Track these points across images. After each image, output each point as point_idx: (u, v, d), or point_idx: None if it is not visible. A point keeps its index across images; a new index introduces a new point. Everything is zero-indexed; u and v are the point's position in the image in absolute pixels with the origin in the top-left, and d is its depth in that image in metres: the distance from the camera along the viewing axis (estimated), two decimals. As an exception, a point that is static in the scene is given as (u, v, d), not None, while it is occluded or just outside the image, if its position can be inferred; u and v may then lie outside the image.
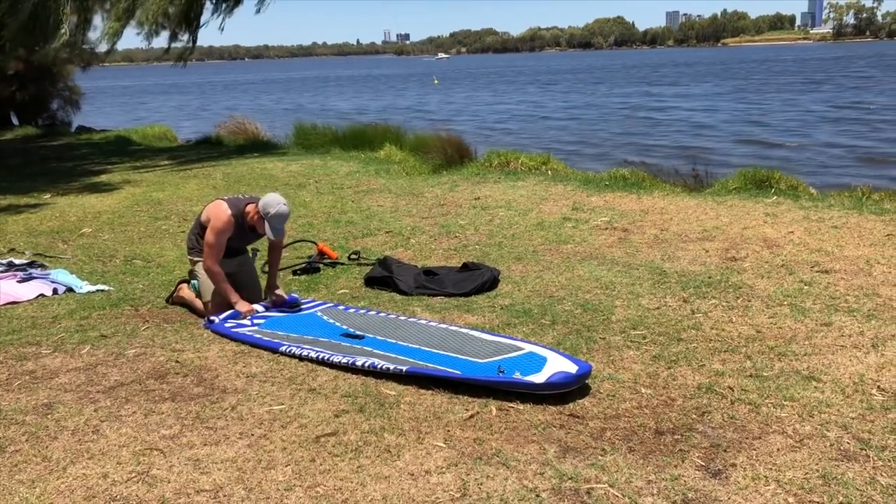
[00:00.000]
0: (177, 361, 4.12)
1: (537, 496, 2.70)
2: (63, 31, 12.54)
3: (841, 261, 5.40)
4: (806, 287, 4.91)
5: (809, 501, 2.63)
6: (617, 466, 2.89)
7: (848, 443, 3.01)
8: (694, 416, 3.30)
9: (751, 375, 3.68)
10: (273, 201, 4.69)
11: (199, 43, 15.28)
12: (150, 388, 3.77)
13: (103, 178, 11.37)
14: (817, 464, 2.86)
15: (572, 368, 3.54)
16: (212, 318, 4.67)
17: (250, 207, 4.77)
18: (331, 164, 11.41)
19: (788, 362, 3.81)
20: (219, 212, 4.74)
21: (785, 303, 4.66)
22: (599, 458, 2.96)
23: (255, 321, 4.64)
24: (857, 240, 5.87)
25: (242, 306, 4.75)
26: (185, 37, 14.69)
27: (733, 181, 8.02)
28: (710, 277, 5.20)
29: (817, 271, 5.22)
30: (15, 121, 22.41)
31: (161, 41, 14.60)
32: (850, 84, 35.21)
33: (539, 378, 3.48)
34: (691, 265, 5.52)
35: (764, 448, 2.99)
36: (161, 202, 9.02)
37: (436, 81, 56.23)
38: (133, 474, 2.93)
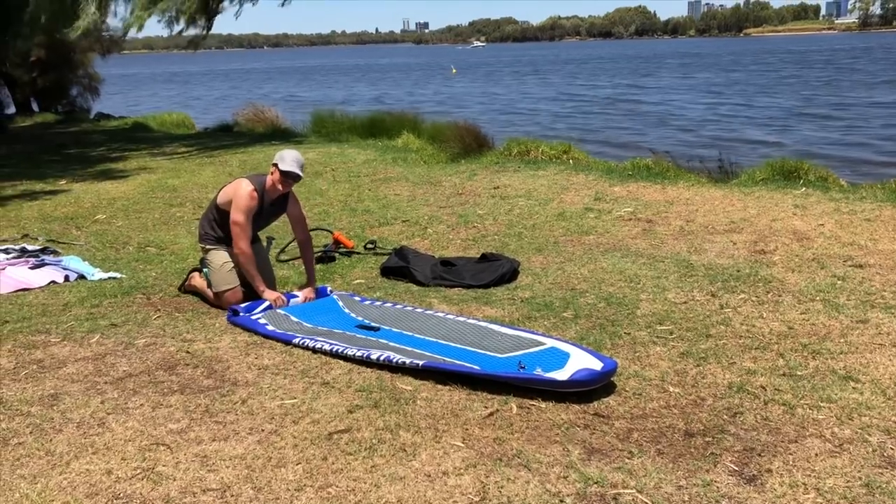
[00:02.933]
0: (187, 352, 4.01)
1: (561, 501, 2.56)
2: (92, 12, 12.50)
3: (875, 255, 5.20)
4: (839, 282, 4.72)
5: (853, 512, 2.46)
6: (645, 470, 2.73)
7: (892, 448, 2.83)
8: (725, 416, 3.13)
9: (784, 374, 3.50)
10: (284, 152, 4.64)
11: (218, 31, 15.18)
12: (159, 380, 3.66)
13: (119, 164, 11.31)
14: (859, 471, 2.69)
15: (597, 365, 3.38)
16: (236, 308, 4.50)
17: (268, 177, 4.65)
18: (348, 152, 11.27)
19: (823, 361, 3.63)
20: (240, 189, 4.60)
21: (817, 298, 4.47)
22: (626, 461, 2.81)
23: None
24: (892, 233, 5.66)
25: (270, 294, 4.61)
26: (203, 23, 14.58)
27: (760, 172, 7.80)
28: (738, 271, 5.02)
29: (850, 266, 5.02)
30: (35, 107, 22.45)
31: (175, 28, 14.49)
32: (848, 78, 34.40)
33: (562, 375, 3.33)
34: (719, 258, 5.33)
35: (801, 453, 2.83)
36: (176, 189, 8.92)
37: (454, 71, 55.93)
38: (138, 471, 2.81)
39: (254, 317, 4.38)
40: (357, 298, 4.75)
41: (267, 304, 4.54)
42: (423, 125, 12.61)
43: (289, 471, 2.78)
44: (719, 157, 8.66)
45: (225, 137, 14.43)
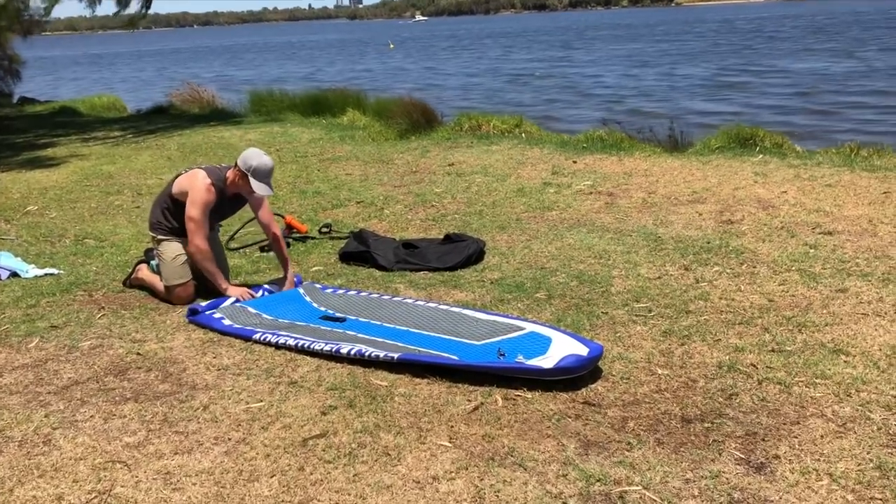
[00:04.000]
0: (138, 354, 3.70)
1: (564, 503, 2.37)
2: None
3: (842, 221, 5.14)
4: (812, 251, 4.63)
5: (871, 498, 2.34)
6: (648, 464, 2.56)
7: (897, 426, 2.73)
8: (721, 399, 2.99)
9: (773, 350, 3.38)
10: (253, 154, 4.23)
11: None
12: (110, 387, 3.35)
13: (49, 151, 10.69)
14: (868, 452, 2.57)
15: (582, 350, 3.20)
16: (195, 307, 4.15)
17: (230, 173, 4.31)
18: (291, 131, 10.88)
19: (810, 334, 3.52)
20: (197, 182, 4.25)
21: (793, 268, 4.37)
22: (626, 453, 2.64)
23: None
24: (855, 199, 5.62)
25: (235, 290, 4.30)
26: (136, 3, 13.90)
27: (716, 140, 7.73)
28: (708, 243, 4.90)
29: (820, 233, 4.95)
30: (-50, 93, 21.25)
31: (104, 9, 13.79)
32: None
33: (547, 363, 3.14)
34: (686, 230, 5.21)
35: (806, 435, 2.70)
36: (112, 176, 8.45)
37: (391, 46, 55.20)
38: (93, 494, 2.52)
39: (211, 313, 4.08)
40: (318, 286, 4.49)
41: (232, 299, 4.24)
42: (367, 102, 12.26)
43: (263, 485, 2.54)
44: (670, 127, 8.57)
45: (160, 119, 13.82)
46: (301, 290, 4.33)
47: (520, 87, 21.27)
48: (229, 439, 2.84)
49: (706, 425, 2.80)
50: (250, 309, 4.13)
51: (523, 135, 9.08)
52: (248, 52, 55.74)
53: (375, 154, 8.68)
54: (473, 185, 6.91)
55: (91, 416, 3.07)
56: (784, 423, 2.78)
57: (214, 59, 49.42)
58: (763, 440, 2.68)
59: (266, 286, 4.44)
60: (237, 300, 4.22)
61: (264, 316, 4.06)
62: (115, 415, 3.08)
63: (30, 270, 5.14)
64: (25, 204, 7.21)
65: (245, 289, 4.35)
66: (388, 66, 34.97)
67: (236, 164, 4.25)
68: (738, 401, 2.97)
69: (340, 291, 4.38)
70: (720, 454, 2.61)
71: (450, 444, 2.73)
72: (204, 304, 4.19)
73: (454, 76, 26.66)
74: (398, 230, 5.74)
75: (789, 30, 44.21)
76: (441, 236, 5.36)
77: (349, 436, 2.82)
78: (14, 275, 5.06)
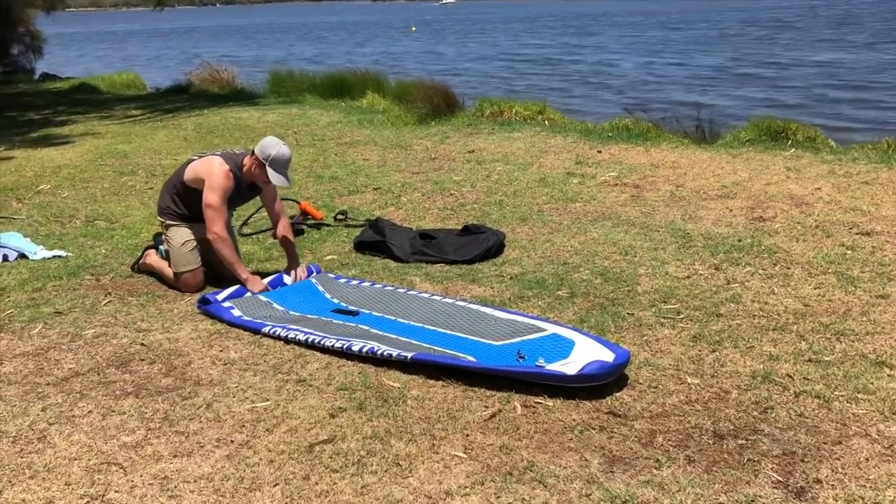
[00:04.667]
0: (142, 344, 3.56)
1: (587, 527, 2.20)
2: None
3: (881, 221, 4.91)
4: (849, 252, 4.41)
5: (924, 533, 2.14)
6: (678, 484, 2.38)
7: (950, 450, 2.52)
8: (755, 413, 2.80)
9: (810, 360, 3.18)
10: (271, 143, 4.06)
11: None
12: (111, 379, 3.21)
13: (65, 129, 10.59)
14: (918, 479, 2.38)
15: (608, 356, 3.01)
16: (209, 297, 3.94)
17: (247, 160, 4.14)
18: (310, 113, 10.71)
19: (850, 343, 3.31)
20: (214, 168, 4.07)
21: (829, 271, 4.16)
22: (654, 472, 2.45)
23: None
24: (894, 197, 5.37)
25: (256, 285, 4.07)
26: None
27: (746, 132, 7.47)
28: (739, 241, 4.69)
29: (857, 234, 4.72)
30: (-27, 68, 21.26)
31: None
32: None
33: (570, 368, 2.95)
34: (716, 226, 5.00)
35: (849, 457, 2.50)
36: (127, 155, 8.32)
37: (413, 28, 54.80)
38: (85, 499, 2.38)
39: (222, 303, 3.90)
40: (331, 276, 4.32)
41: (244, 290, 4.04)
42: (387, 85, 12.06)
43: (265, 495, 2.38)
44: (697, 117, 8.31)
45: (178, 98, 13.70)
46: (314, 281, 4.16)
47: (537, 72, 20.91)
48: (232, 442, 2.69)
49: (740, 442, 2.61)
50: (262, 298, 3.97)
51: (546, 122, 8.85)
52: (272, 32, 55.47)
53: (394, 139, 8.49)
54: (494, 173, 6.71)
55: (89, 412, 2.93)
56: (825, 443, 2.59)
57: (235, 39, 49.29)
58: (802, 461, 2.49)
59: (284, 273, 4.24)
60: (242, 291, 4.04)
61: (275, 306, 3.90)
62: (114, 410, 2.94)
63: (38, 252, 5.01)
64: (38, 182, 7.09)
65: (265, 283, 4.12)
66: (410, 48, 34.67)
67: (253, 153, 4.08)
68: (773, 415, 2.77)
69: (354, 282, 4.21)
70: (756, 475, 2.42)
71: (465, 456, 2.56)
72: (219, 295, 3.97)
73: (478, 60, 26.32)
74: (415, 219, 5.56)
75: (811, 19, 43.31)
76: (459, 226, 5.18)
77: (358, 442, 2.66)
78: (22, 256, 4.94)
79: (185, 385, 3.14)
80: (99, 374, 3.26)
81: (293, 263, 4.28)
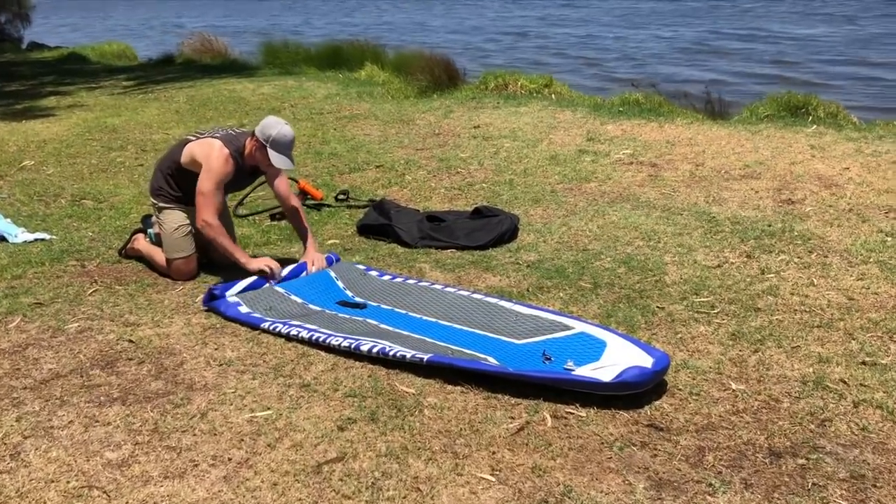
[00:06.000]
0: (130, 341, 3.26)
1: (638, 569, 1.92)
2: None
3: (918, 205, 4.62)
4: (889, 239, 4.12)
5: None
6: (737, 515, 2.10)
7: None
8: (812, 426, 2.52)
9: (864, 363, 2.90)
10: (272, 122, 3.72)
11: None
12: (95, 382, 2.91)
13: (51, 100, 10.19)
14: None
15: (645, 361, 2.72)
16: (215, 291, 3.55)
17: (248, 142, 3.80)
18: (306, 85, 10.32)
19: (905, 344, 3.03)
20: (213, 151, 3.71)
21: (870, 260, 3.87)
22: (709, 498, 2.17)
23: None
24: (929, 179, 5.08)
25: (258, 263, 3.72)
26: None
27: (764, 108, 7.15)
28: (769, 225, 4.39)
29: (895, 218, 4.42)
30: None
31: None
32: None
33: (605, 374, 2.66)
34: (743, 209, 4.70)
35: (926, 481, 2.22)
36: (116, 129, 7.95)
37: None
38: (62, 532, 2.09)
39: (228, 298, 3.54)
40: (357, 266, 3.95)
41: (252, 279, 3.67)
42: (385, 56, 11.66)
43: (268, 527, 2.09)
44: (706, 91, 7.97)
45: (170, 70, 13.28)
46: (333, 274, 3.80)
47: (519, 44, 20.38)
48: (230, 459, 2.40)
49: (800, 461, 2.33)
50: (279, 290, 3.62)
51: (553, 96, 8.50)
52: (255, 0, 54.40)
53: (395, 113, 8.13)
54: (502, 150, 6.38)
55: (70, 422, 2.63)
56: None
57: (218, 7, 48.40)
58: (875, 486, 2.21)
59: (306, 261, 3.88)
60: (262, 280, 3.69)
61: (294, 298, 3.56)
62: (97, 420, 2.64)
63: (19, 234, 4.69)
64: (21, 158, 6.74)
65: (268, 259, 3.79)
66: (401, 18, 34.02)
67: (254, 134, 3.74)
68: (833, 429, 2.49)
69: (374, 273, 3.85)
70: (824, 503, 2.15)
71: (492, 478, 2.27)
72: (230, 290, 3.59)
73: (470, 32, 25.77)
74: (421, 199, 5.25)
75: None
76: (468, 208, 4.87)
77: (371, 461, 2.37)
78: (2, 239, 4.62)
79: (176, 390, 2.84)
80: (82, 376, 2.96)
81: (309, 251, 3.95)
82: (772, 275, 3.75)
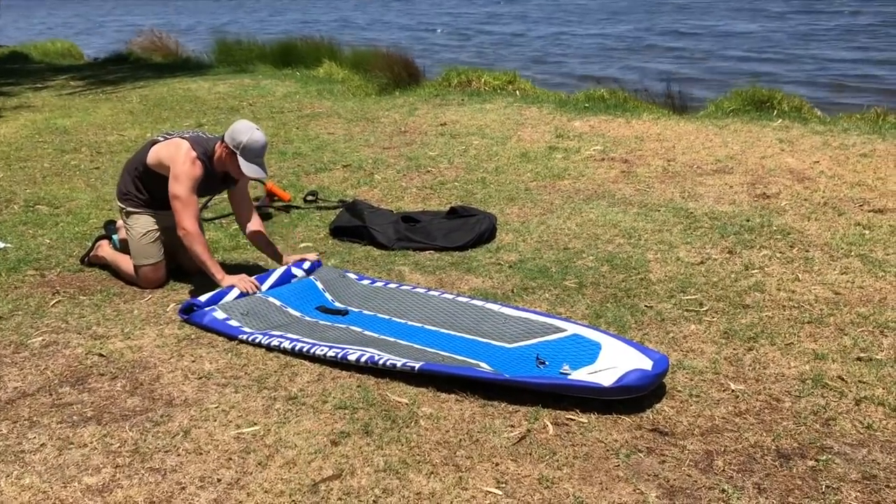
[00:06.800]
0: (100, 354, 3.08)
1: (662, 584, 1.84)
2: None
3: (890, 197, 4.64)
4: (867, 232, 4.13)
5: None
6: (756, 522, 2.04)
7: None
8: (817, 426, 2.47)
9: (859, 359, 2.87)
10: (242, 128, 3.50)
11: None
12: (66, 401, 2.74)
13: (-3, 101, 9.81)
14: None
15: (645, 364, 2.65)
16: (195, 302, 3.35)
17: (218, 147, 3.58)
18: (264, 83, 10.11)
19: (897, 338, 3.02)
20: (180, 153, 3.51)
21: (851, 253, 3.87)
22: (724, 506, 2.11)
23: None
24: (897, 171, 5.13)
25: (232, 280, 3.50)
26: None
27: (729, 102, 7.17)
28: (748, 220, 4.38)
29: (870, 211, 4.44)
30: None
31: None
32: None
33: (606, 378, 2.58)
34: (719, 204, 4.68)
35: (938, 480, 2.19)
36: (68, 131, 7.66)
37: None
38: (43, 568, 1.93)
39: (211, 310, 3.32)
40: (349, 274, 3.78)
41: (235, 292, 3.45)
42: (342, 53, 11.49)
43: (268, 554, 1.97)
44: (668, 87, 7.99)
45: (120, 69, 12.90)
46: (319, 284, 3.60)
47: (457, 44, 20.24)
48: (219, 480, 2.26)
49: (810, 463, 2.28)
50: (272, 300, 3.44)
51: (517, 92, 8.44)
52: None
53: (358, 111, 7.99)
54: (471, 148, 6.29)
55: (42, 445, 2.47)
56: (905, 462, 2.28)
57: (145, 6, 47.42)
58: (888, 486, 2.17)
59: (293, 266, 3.68)
60: (241, 293, 3.47)
61: (271, 300, 3.41)
62: (72, 442, 2.48)
63: (-29, 244, 4.45)
64: (-31, 162, 6.43)
65: (244, 276, 3.58)
66: (333, 17, 33.69)
67: (223, 139, 3.56)
68: (838, 428, 2.45)
69: (366, 282, 3.69)
70: (841, 508, 2.10)
71: (499, 492, 2.18)
72: (203, 299, 3.37)
73: (410, 29, 25.64)
74: (393, 199, 5.13)
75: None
76: (442, 207, 4.78)
77: (370, 477, 2.25)
78: (-47, 249, 4.38)
79: (155, 406, 2.68)
80: (51, 395, 2.78)
81: (290, 255, 3.81)
82: (756, 270, 3.72)
